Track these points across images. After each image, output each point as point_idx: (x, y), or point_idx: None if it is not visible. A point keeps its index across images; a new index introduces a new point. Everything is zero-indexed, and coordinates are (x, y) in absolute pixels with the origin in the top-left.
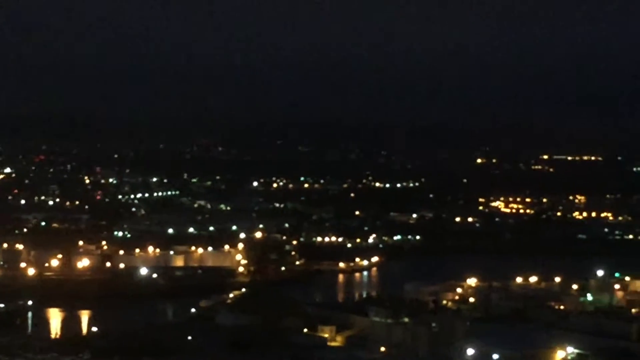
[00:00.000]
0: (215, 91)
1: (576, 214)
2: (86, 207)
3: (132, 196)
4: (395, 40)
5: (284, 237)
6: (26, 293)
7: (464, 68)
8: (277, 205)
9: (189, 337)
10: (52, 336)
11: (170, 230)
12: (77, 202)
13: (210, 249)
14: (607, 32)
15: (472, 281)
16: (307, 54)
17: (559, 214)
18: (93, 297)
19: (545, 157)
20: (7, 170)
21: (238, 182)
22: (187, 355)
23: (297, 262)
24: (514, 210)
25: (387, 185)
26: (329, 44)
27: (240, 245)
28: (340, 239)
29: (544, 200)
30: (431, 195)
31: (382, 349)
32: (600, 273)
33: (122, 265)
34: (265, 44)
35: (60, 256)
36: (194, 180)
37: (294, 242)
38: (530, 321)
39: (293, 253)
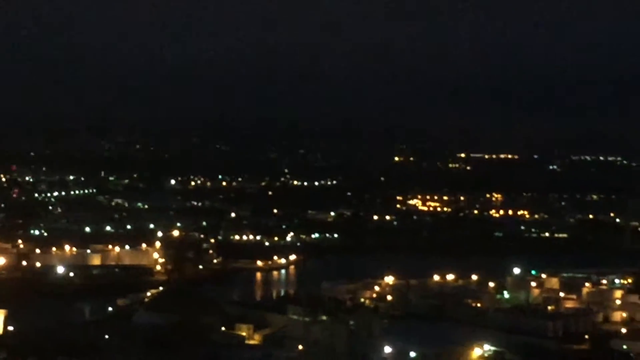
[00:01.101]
0: (134, 89)
1: (493, 212)
2: (2, 205)
3: (49, 194)
4: (322, 37)
5: (202, 236)
6: None
7: (383, 67)
8: (195, 203)
9: (106, 336)
10: None
11: (87, 229)
12: None
13: (127, 247)
14: (519, 31)
15: (389, 279)
16: (223, 53)
17: (475, 212)
18: (9, 296)
19: (462, 155)
20: None
21: (155, 180)
22: (104, 354)
23: (215, 261)
24: (431, 209)
25: (305, 184)
26: (247, 41)
27: (158, 244)
28: (258, 238)
29: (461, 198)
30: (349, 194)
31: (300, 347)
32: (516, 271)
33: (38, 264)
34: (186, 43)
35: None
36: (111, 178)
37: (212, 241)
38: (447, 319)
39: (211, 251)
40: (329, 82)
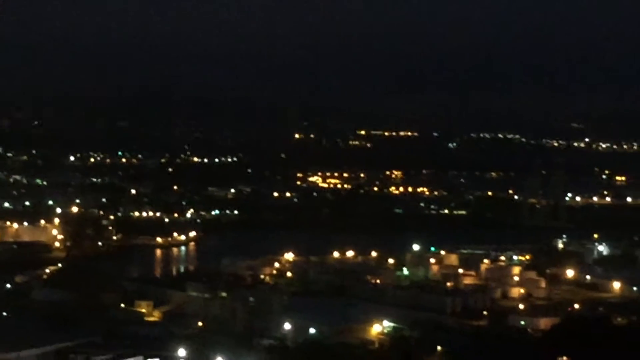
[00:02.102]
0: (36, 63)
1: (393, 189)
2: None
3: None
4: (231, 15)
5: (101, 212)
6: None
7: (284, 45)
8: (94, 180)
9: (4, 313)
10: None
11: None
12: None
13: (25, 224)
14: (424, 9)
15: (289, 256)
16: (134, 29)
17: (375, 189)
18: None
19: (363, 132)
20: None
21: (55, 156)
22: (2, 331)
23: (115, 237)
24: (331, 186)
25: (206, 161)
26: (155, 18)
27: (57, 221)
28: (158, 214)
29: (361, 175)
30: (249, 171)
31: (200, 323)
32: (416, 247)
33: None
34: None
35: None
36: (9, 154)
37: (111, 217)
38: (347, 295)
39: (110, 228)
40: (231, 59)
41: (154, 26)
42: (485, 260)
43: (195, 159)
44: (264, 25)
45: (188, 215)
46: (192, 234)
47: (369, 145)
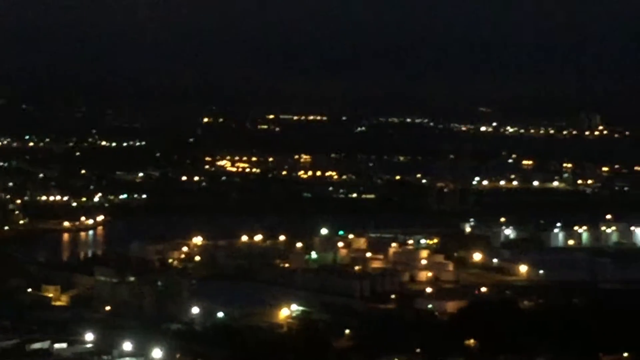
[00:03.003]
0: None
1: (301, 173)
2: None
3: None
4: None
5: (8, 196)
6: None
7: (194, 27)
8: (1, 164)
9: None
10: None
11: None
12: None
13: None
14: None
15: (198, 240)
16: (42, 9)
17: (284, 173)
18: None
19: (272, 116)
20: None
21: None
22: None
23: (21, 222)
24: (240, 170)
25: (114, 144)
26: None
27: None
28: (65, 198)
29: (270, 159)
30: (158, 155)
31: (108, 307)
32: (324, 231)
33: None
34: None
35: None
36: None
37: (18, 201)
38: (255, 279)
39: (17, 212)
40: (141, 43)
41: (63, 8)
42: (394, 244)
43: (104, 143)
44: (174, 7)
45: (96, 199)
46: (100, 218)
47: (277, 129)
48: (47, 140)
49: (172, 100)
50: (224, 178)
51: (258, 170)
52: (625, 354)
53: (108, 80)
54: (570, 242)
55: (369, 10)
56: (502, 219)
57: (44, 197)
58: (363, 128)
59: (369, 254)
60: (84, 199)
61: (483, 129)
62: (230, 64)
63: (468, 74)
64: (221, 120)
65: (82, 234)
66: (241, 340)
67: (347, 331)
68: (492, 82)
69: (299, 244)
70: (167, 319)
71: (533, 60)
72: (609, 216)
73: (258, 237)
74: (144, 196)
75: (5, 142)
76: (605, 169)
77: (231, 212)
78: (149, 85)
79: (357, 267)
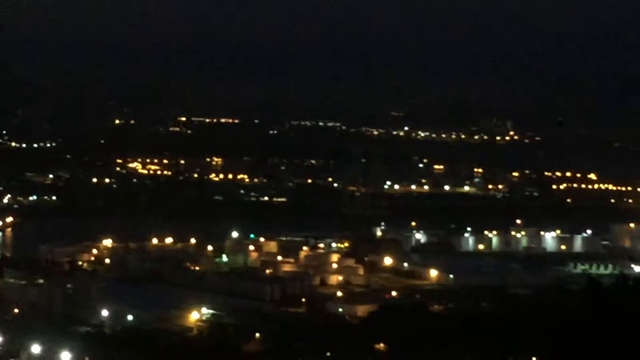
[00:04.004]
0: None
1: (213, 175)
2: None
3: None
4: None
5: None
6: None
7: (106, 31)
8: None
9: None
10: None
11: None
12: None
13: None
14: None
15: (108, 242)
16: None
17: (195, 175)
18: None
19: (183, 119)
20: None
21: None
22: None
23: None
24: (151, 172)
25: (24, 146)
26: None
27: None
28: None
29: (181, 162)
30: (68, 156)
31: (16, 310)
32: (235, 234)
33: None
34: None
35: None
36: None
37: None
38: (166, 282)
39: None
40: (52, 43)
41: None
42: (305, 248)
43: (13, 144)
44: (88, 9)
45: (5, 200)
46: (9, 219)
47: (189, 131)
48: None
49: (83, 102)
50: (135, 180)
51: (169, 173)
52: (534, 358)
53: (19, 81)
54: (481, 246)
55: (282, 13)
56: (413, 223)
57: None
58: (275, 131)
59: (279, 258)
60: None
61: (395, 133)
62: (142, 65)
63: (380, 78)
64: (132, 122)
65: None
66: (151, 344)
67: (257, 335)
68: (404, 86)
69: (209, 247)
70: (76, 322)
71: (445, 65)
72: (518, 221)
73: (169, 240)
74: (54, 198)
75: None
76: (515, 174)
77: (142, 214)
78: (60, 86)
79: (267, 271)
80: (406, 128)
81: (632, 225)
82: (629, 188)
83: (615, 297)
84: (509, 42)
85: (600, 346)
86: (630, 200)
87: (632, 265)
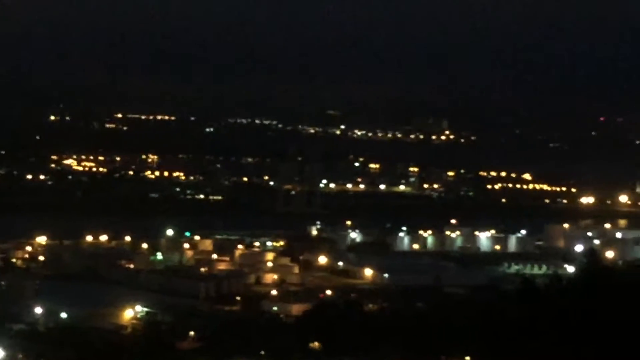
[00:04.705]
0: None
1: (148, 173)
2: None
3: None
4: None
5: None
6: None
7: (40, 26)
8: None
9: None
10: None
11: None
12: None
13: None
14: None
15: (42, 239)
16: None
17: (131, 172)
18: None
19: (120, 115)
20: None
21: None
22: None
23: None
24: (87, 169)
25: None
26: None
27: None
28: None
29: (117, 159)
30: (2, 152)
31: None
32: (170, 232)
33: None
34: None
35: None
36: None
37: None
38: (100, 280)
39: None
40: None
41: None
42: (240, 246)
43: None
44: (28, 4)
45: None
46: None
47: (125, 128)
48: None
49: (17, 98)
50: (70, 177)
51: (105, 170)
52: (467, 358)
53: None
54: (416, 246)
55: (219, 10)
56: (349, 222)
57: None
58: (211, 129)
59: (215, 256)
60: None
61: (331, 131)
62: (77, 61)
63: (317, 76)
64: (68, 118)
65: None
66: (85, 341)
67: (191, 333)
68: (340, 85)
69: (144, 245)
70: (10, 319)
71: (381, 64)
72: (453, 221)
73: (103, 238)
74: None
75: None
76: (450, 173)
77: (77, 211)
78: None
79: (202, 269)
80: (342, 127)
81: (566, 225)
82: (563, 188)
83: (549, 297)
84: (445, 41)
85: (533, 346)
86: (564, 201)
87: (566, 266)
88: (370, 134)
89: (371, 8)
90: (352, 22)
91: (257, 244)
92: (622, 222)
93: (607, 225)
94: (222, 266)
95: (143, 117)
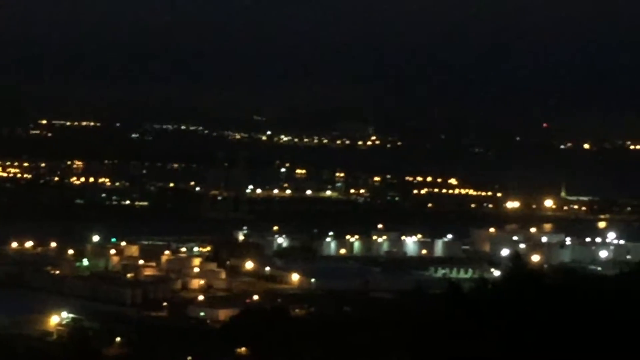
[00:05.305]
0: None
1: (74, 179)
2: None
3: None
4: None
5: None
6: None
7: None
8: None
9: None
10: None
11: None
12: None
13: None
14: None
15: None
16: None
17: (56, 179)
18: None
19: (44, 122)
20: None
21: None
22: None
23: None
24: (11, 175)
25: None
26: None
27: None
28: None
29: (42, 165)
30: None
31: None
32: (96, 238)
33: None
34: None
35: None
36: None
37: None
38: (26, 286)
39: None
40: None
41: None
42: (166, 252)
43: None
44: None
45: None
46: None
47: (50, 134)
48: None
49: None
50: None
51: (29, 176)
52: None
53: None
54: (342, 251)
55: (146, 14)
56: (275, 228)
57: None
58: (137, 135)
59: (141, 262)
60: None
61: (257, 137)
62: (1, 68)
63: (243, 82)
64: None
65: None
66: (9, 348)
67: (118, 339)
68: (266, 91)
69: (70, 251)
70: None
71: (307, 70)
72: (380, 225)
73: (29, 244)
74: None
75: None
76: (377, 178)
77: (2, 218)
78: None
79: (129, 275)
80: (269, 132)
81: (491, 229)
82: (489, 193)
83: (475, 301)
84: (376, 47)
85: (459, 349)
86: (490, 205)
87: (492, 270)
88: (296, 140)
89: (297, 12)
90: (274, 29)
91: (183, 249)
92: (547, 227)
93: (533, 230)
94: (148, 272)
95: (68, 123)
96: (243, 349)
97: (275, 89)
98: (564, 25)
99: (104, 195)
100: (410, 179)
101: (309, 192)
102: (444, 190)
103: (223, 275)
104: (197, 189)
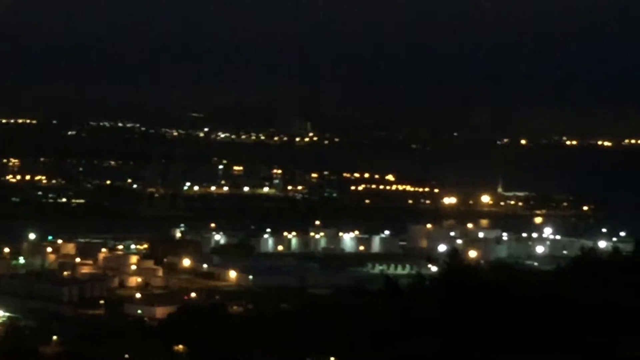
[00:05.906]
0: None
1: (9, 177)
2: None
3: None
4: None
5: None
6: None
7: None
8: None
9: None
10: None
11: None
12: None
13: None
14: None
15: None
16: None
17: None
18: None
19: None
20: None
21: None
22: None
23: None
24: None
25: None
26: None
27: None
28: None
29: None
30: None
31: None
32: (32, 236)
33: None
34: None
35: None
36: None
37: None
38: None
39: None
40: None
41: None
42: (103, 249)
43: None
44: None
45: None
46: None
47: None
48: None
49: None
50: None
51: None
52: (332, 358)
53: None
54: (280, 247)
55: (82, 12)
56: (212, 225)
57: None
58: (73, 132)
59: (78, 260)
60: None
61: (194, 134)
62: None
63: (180, 78)
64: None
65: None
66: None
67: (54, 337)
68: (203, 87)
69: (6, 249)
70: None
71: (245, 66)
72: (317, 222)
73: None
74: None
75: None
76: (314, 175)
77: None
78: None
79: (65, 273)
80: (206, 129)
81: (429, 225)
82: (426, 189)
83: (412, 296)
84: (315, 43)
85: (397, 345)
86: (427, 201)
87: (429, 265)
88: (233, 136)
89: (243, 8)
90: (215, 26)
91: (120, 247)
92: (484, 222)
93: (470, 225)
94: (85, 270)
95: (4, 120)
96: (181, 346)
97: (212, 86)
98: (505, 21)
99: (40, 193)
100: (348, 175)
101: (246, 188)
102: (381, 187)
103: (160, 272)
104: (134, 186)
